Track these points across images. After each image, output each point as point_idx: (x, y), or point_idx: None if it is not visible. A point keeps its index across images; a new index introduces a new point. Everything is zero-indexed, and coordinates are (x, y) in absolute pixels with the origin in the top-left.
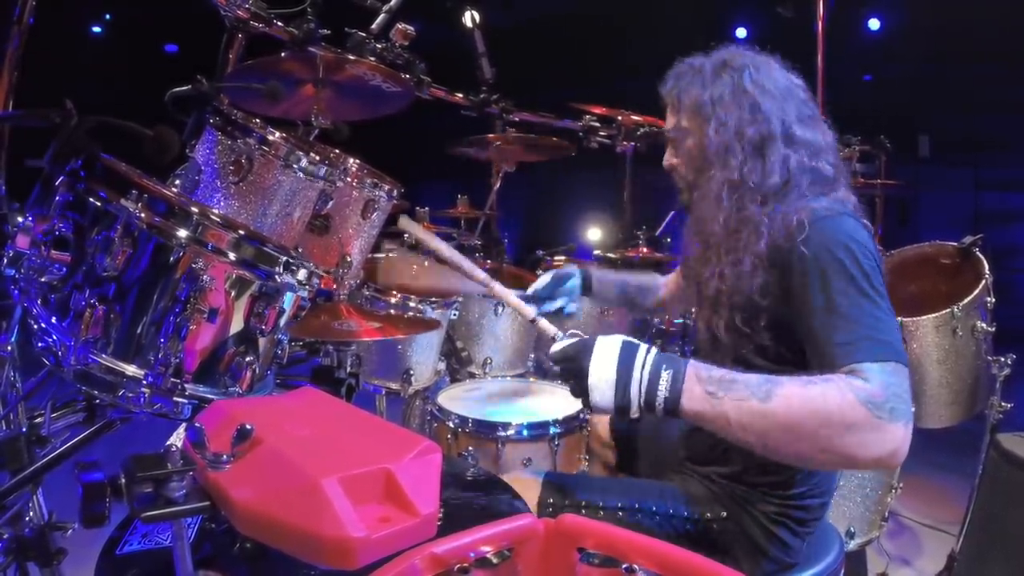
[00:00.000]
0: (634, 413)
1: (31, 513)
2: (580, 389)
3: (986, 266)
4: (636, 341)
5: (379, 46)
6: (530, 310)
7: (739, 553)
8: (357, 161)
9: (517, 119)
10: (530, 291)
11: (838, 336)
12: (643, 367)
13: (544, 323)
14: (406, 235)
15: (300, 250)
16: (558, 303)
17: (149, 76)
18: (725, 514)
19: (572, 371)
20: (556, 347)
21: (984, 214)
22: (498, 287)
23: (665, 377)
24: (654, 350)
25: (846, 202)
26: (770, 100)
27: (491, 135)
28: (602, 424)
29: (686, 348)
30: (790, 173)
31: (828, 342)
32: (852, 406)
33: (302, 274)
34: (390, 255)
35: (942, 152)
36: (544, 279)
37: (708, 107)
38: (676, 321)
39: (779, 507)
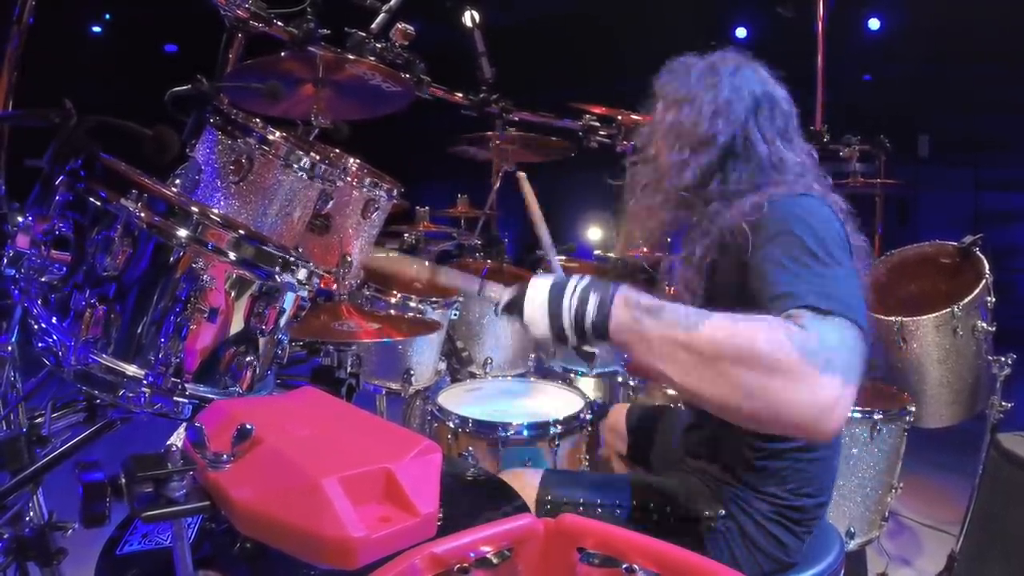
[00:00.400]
0: (571, 339)
1: (31, 513)
2: (523, 327)
3: (986, 266)
4: (574, 277)
5: (379, 46)
6: (474, 283)
7: (738, 552)
8: (357, 161)
9: (517, 119)
10: None
11: (779, 288)
12: (572, 294)
13: (491, 288)
14: (407, 235)
15: (300, 250)
16: None
17: (149, 76)
18: (724, 512)
19: (515, 311)
20: (502, 299)
21: (984, 214)
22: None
23: (592, 301)
24: (587, 279)
25: (810, 189)
26: (727, 108)
27: (491, 135)
28: (617, 415)
29: None
30: (724, 182)
31: (770, 296)
32: (780, 345)
33: (302, 274)
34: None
35: (942, 152)
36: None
37: (678, 103)
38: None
39: (773, 506)
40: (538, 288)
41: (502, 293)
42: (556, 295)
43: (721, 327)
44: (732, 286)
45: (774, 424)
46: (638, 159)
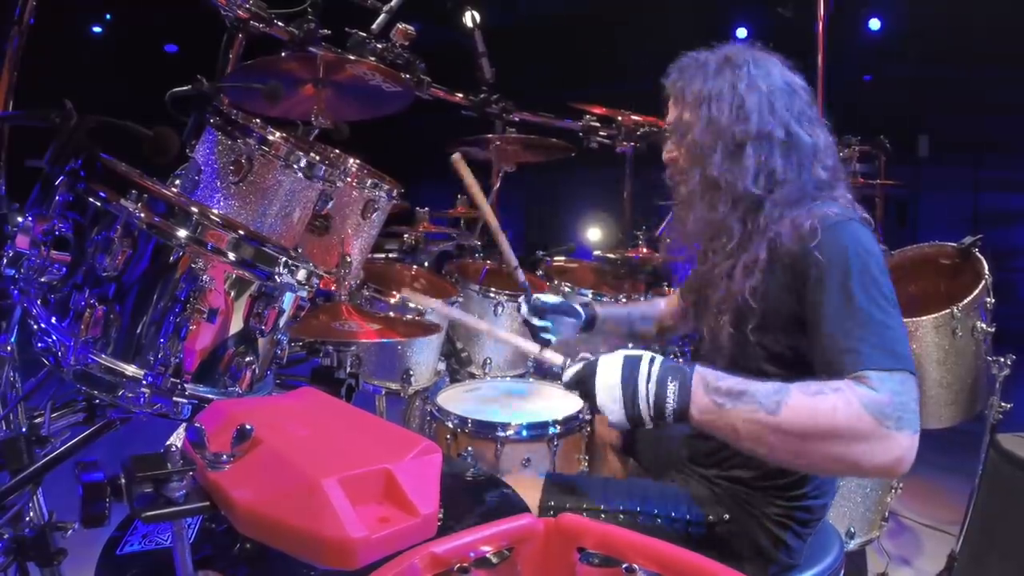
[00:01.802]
0: (648, 424)
1: (31, 513)
2: (596, 411)
3: (986, 266)
4: (638, 353)
5: (379, 46)
6: (534, 346)
7: (742, 555)
8: (357, 161)
9: (517, 119)
10: (535, 297)
11: (847, 343)
12: (648, 380)
13: (549, 354)
14: (407, 236)
15: (300, 250)
16: (543, 323)
17: (149, 76)
18: (728, 516)
19: (583, 396)
20: (566, 374)
21: (983, 214)
22: (501, 332)
23: (672, 388)
24: (658, 360)
25: (853, 207)
26: (761, 100)
27: (491, 135)
28: None
29: (686, 348)
30: (768, 174)
31: (836, 349)
32: (859, 416)
33: (302, 274)
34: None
35: (942, 152)
36: (551, 297)
37: (706, 101)
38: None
39: (782, 508)
40: (608, 373)
41: (564, 362)
42: (630, 382)
43: (802, 405)
44: (783, 308)
45: (853, 475)
46: (676, 170)
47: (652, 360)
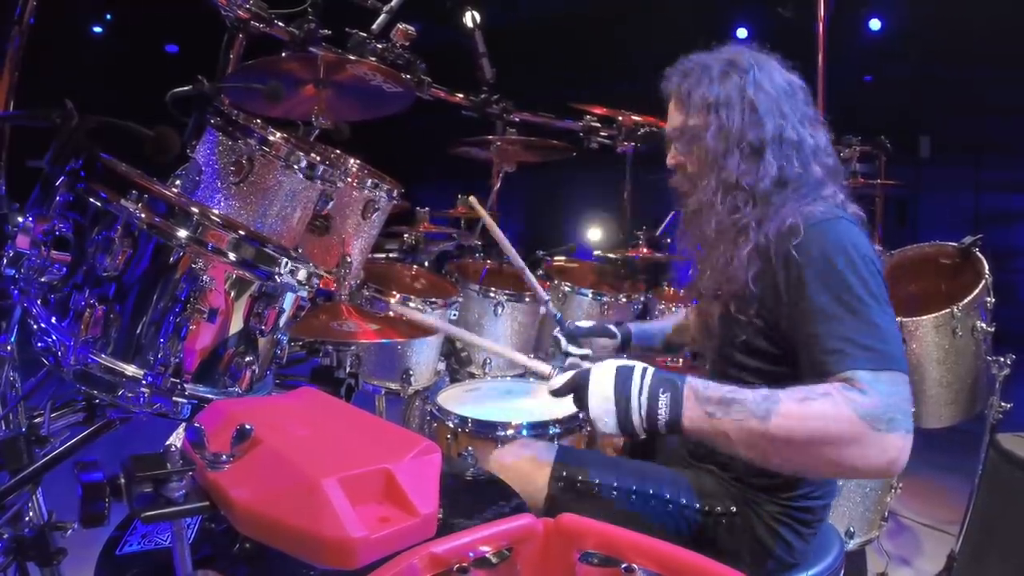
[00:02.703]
0: (640, 435)
1: (31, 513)
2: (588, 420)
3: (986, 266)
4: (630, 363)
5: (380, 46)
6: (521, 357)
7: (744, 551)
8: (357, 161)
9: (517, 119)
10: (569, 324)
11: (833, 343)
12: (640, 392)
13: (536, 364)
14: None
15: (300, 250)
16: (583, 351)
17: (149, 76)
18: (735, 509)
19: (576, 402)
20: (553, 382)
21: (984, 214)
22: (487, 343)
23: (664, 400)
24: (650, 371)
25: (843, 205)
26: (771, 103)
27: (491, 135)
28: None
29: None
30: (784, 175)
31: (823, 349)
32: (850, 421)
33: (302, 274)
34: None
35: (942, 152)
36: (586, 323)
37: (715, 107)
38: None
39: (783, 508)
40: (601, 384)
41: (550, 372)
42: (623, 393)
43: (793, 412)
44: (766, 306)
45: (849, 478)
46: (685, 175)
47: (644, 371)
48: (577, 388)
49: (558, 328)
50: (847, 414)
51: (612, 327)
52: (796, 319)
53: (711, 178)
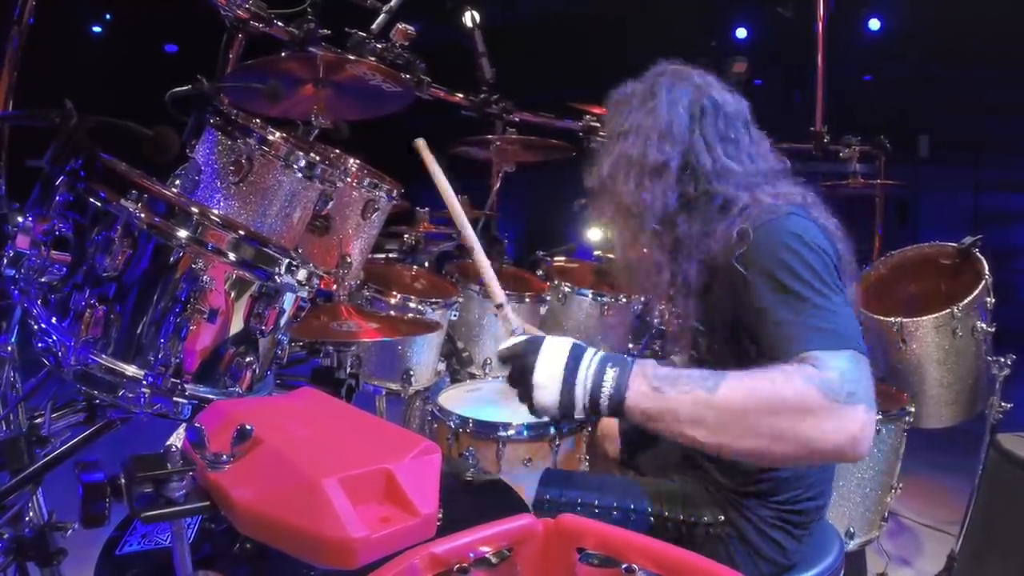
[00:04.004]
0: (578, 413)
1: (31, 513)
2: (524, 388)
3: (986, 266)
4: (585, 344)
5: (379, 46)
6: (501, 294)
7: (738, 558)
8: (357, 161)
9: (517, 119)
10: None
11: (784, 330)
12: (588, 367)
13: (509, 312)
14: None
15: (300, 250)
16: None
17: (149, 76)
18: (723, 518)
19: (519, 367)
20: (506, 343)
21: (983, 214)
22: (477, 249)
23: (611, 375)
24: (601, 352)
25: (793, 196)
26: (669, 129)
27: (491, 135)
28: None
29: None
30: (689, 197)
31: (776, 336)
32: (804, 390)
33: (302, 274)
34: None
35: (942, 152)
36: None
37: (622, 135)
38: (676, 321)
39: (775, 512)
40: (553, 353)
41: (514, 328)
42: (571, 366)
43: (741, 383)
44: (728, 316)
45: (809, 460)
46: (596, 200)
47: (596, 352)
48: (527, 352)
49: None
50: (798, 383)
51: None
52: (755, 321)
53: (611, 206)
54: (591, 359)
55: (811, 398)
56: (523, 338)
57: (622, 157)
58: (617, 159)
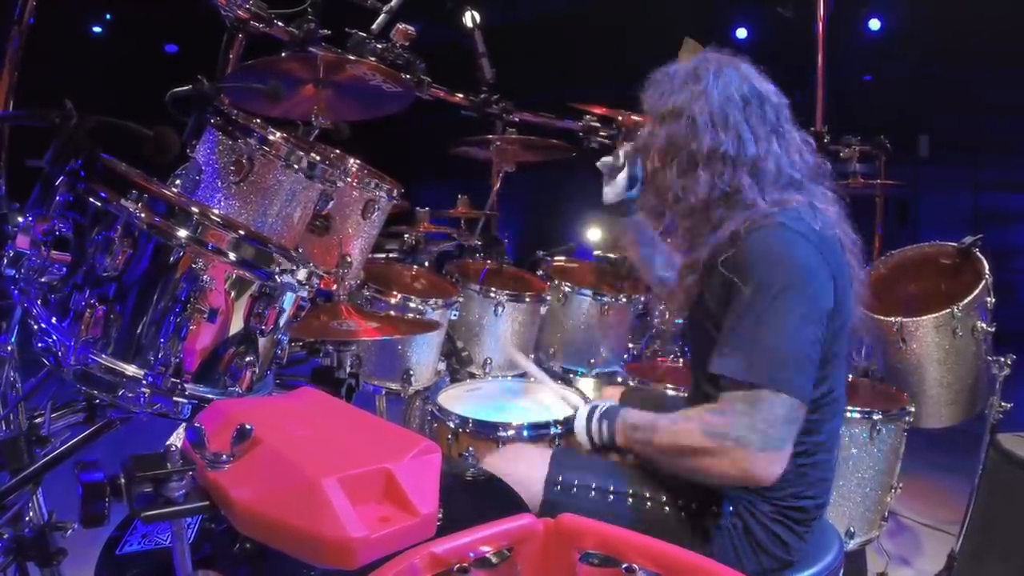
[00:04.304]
0: (597, 449)
1: (31, 513)
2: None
3: (986, 266)
4: (599, 403)
5: (379, 46)
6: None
7: (741, 550)
8: (357, 161)
9: (517, 119)
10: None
11: (724, 342)
12: (599, 421)
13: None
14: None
15: (300, 250)
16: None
17: (149, 76)
18: (732, 508)
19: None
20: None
21: (983, 214)
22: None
23: (605, 426)
24: (606, 406)
25: (787, 208)
26: (717, 115)
27: (491, 135)
28: (609, 397)
29: (685, 348)
30: (715, 190)
31: (718, 343)
32: (700, 437)
33: (302, 274)
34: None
35: (942, 152)
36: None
37: (664, 117)
38: (676, 321)
39: (775, 507)
40: (580, 416)
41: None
42: (587, 421)
43: (666, 430)
44: (718, 315)
45: (715, 484)
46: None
47: (604, 408)
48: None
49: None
50: (695, 432)
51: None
52: (721, 318)
53: (651, 188)
54: (598, 416)
55: (704, 443)
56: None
57: (669, 139)
58: (664, 141)
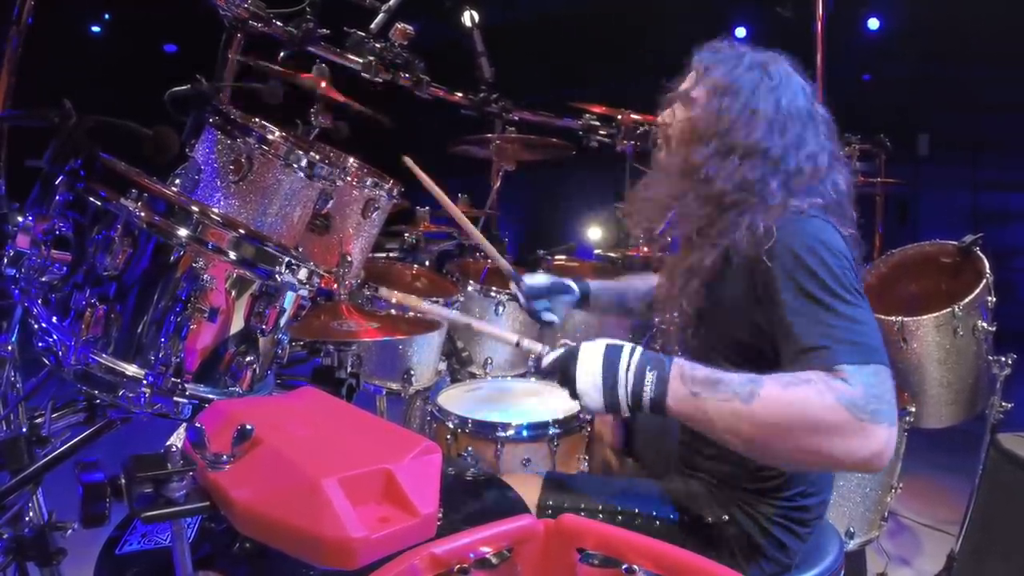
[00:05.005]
0: (624, 412)
1: (31, 513)
2: (572, 395)
3: (987, 265)
4: (619, 343)
5: (378, 45)
6: (512, 336)
7: (739, 555)
8: (357, 161)
9: (517, 119)
10: (526, 278)
11: (812, 340)
12: (628, 369)
13: (528, 343)
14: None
15: (300, 249)
16: (544, 303)
17: (148, 76)
18: (727, 517)
19: (562, 380)
20: (545, 360)
21: (983, 213)
22: (475, 322)
23: (650, 378)
24: (639, 350)
25: (824, 211)
26: (778, 117)
27: (491, 134)
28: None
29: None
30: (746, 185)
31: (803, 347)
32: (833, 409)
33: (302, 273)
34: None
35: (941, 151)
36: (541, 278)
37: (723, 91)
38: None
39: (778, 508)
40: (590, 359)
41: (543, 350)
42: (610, 369)
43: (776, 396)
44: (729, 306)
45: (830, 470)
46: (663, 136)
47: (633, 350)
48: (566, 364)
49: (514, 285)
50: (830, 401)
51: (570, 282)
52: (775, 322)
53: (680, 152)
54: (629, 361)
55: (841, 418)
56: (560, 351)
57: (718, 113)
58: (712, 112)
